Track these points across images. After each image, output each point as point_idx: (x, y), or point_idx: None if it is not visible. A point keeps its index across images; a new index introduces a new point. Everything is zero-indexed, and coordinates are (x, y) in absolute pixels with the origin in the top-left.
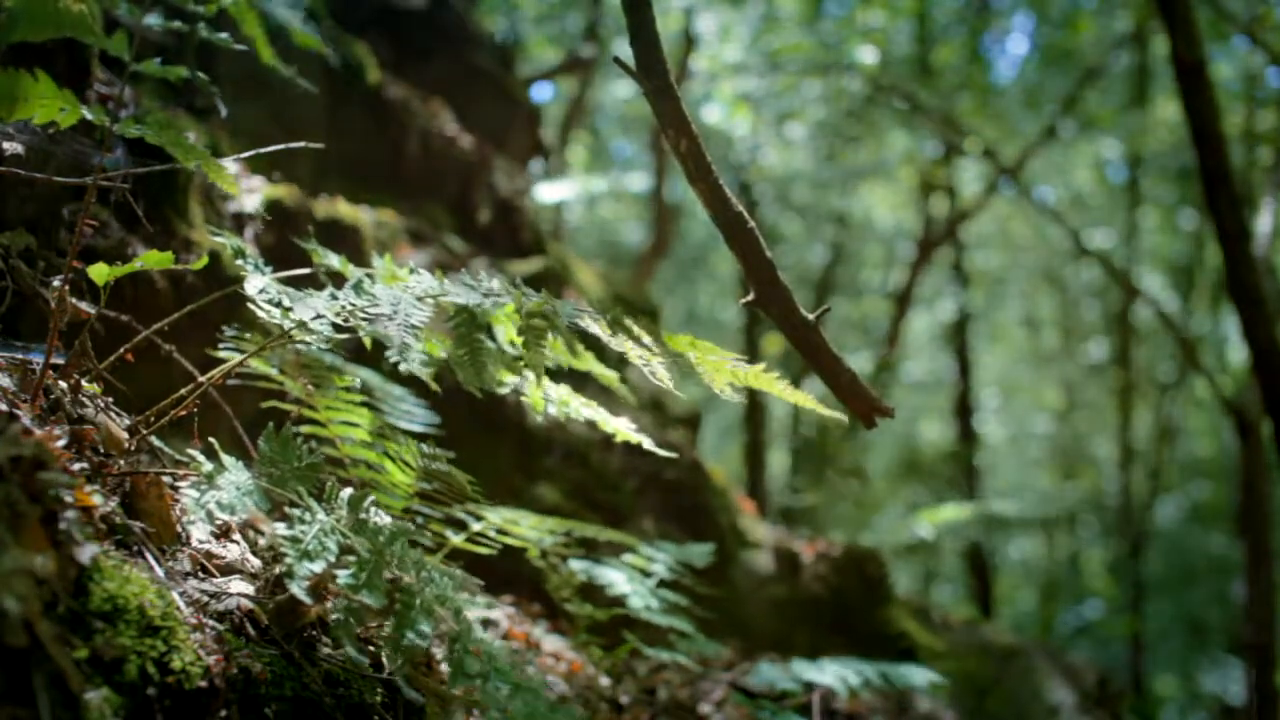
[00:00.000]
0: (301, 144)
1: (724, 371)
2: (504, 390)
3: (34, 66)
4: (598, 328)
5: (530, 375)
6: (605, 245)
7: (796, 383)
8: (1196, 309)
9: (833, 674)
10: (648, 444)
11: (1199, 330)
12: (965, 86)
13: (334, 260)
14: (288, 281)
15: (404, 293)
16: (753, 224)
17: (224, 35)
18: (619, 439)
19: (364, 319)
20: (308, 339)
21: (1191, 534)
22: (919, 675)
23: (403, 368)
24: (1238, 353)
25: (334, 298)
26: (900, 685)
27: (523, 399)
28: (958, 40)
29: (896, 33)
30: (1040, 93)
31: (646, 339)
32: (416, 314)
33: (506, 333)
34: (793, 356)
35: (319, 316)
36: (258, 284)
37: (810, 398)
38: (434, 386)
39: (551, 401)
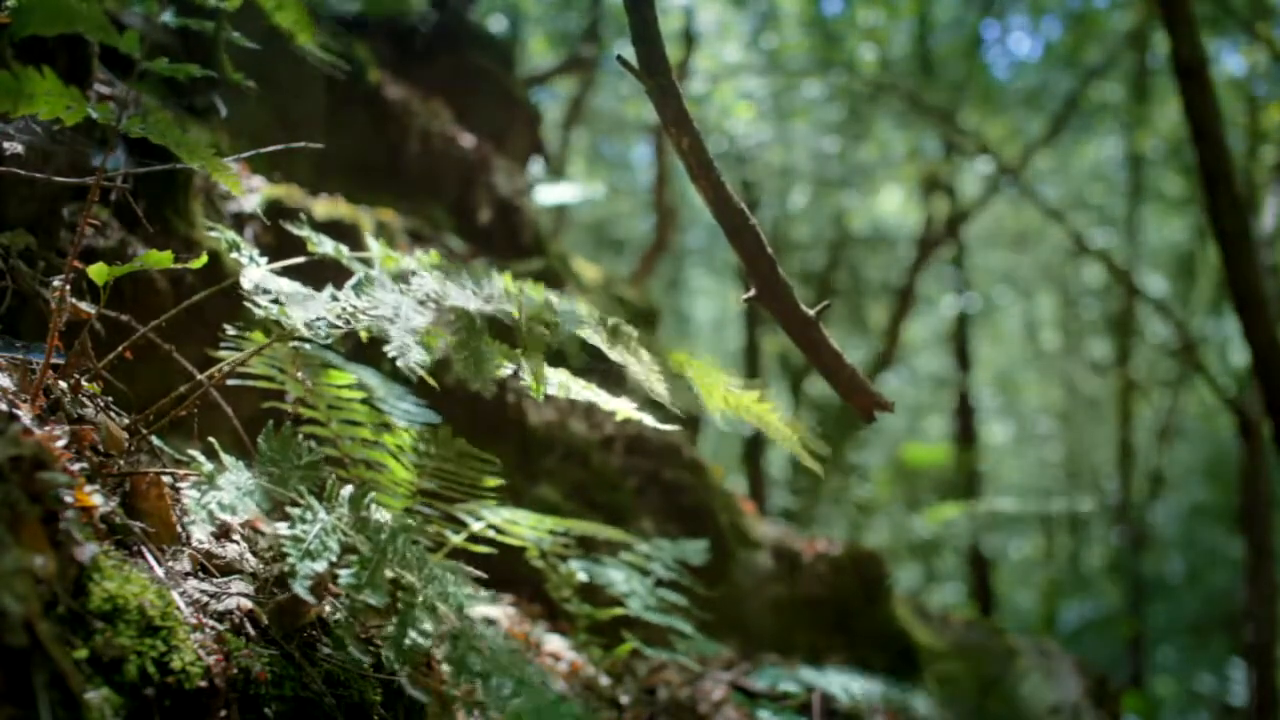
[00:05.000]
0: (301, 144)
1: (718, 394)
2: (504, 373)
3: (38, 64)
4: (597, 338)
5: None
6: (605, 243)
7: (798, 380)
8: (1197, 309)
9: (837, 683)
10: (649, 421)
11: (1200, 330)
12: (966, 85)
13: (329, 247)
14: (284, 271)
15: (405, 295)
16: (754, 220)
17: (236, 34)
18: (620, 418)
19: (364, 319)
20: (307, 337)
21: (1192, 534)
22: (920, 702)
23: (400, 362)
24: (1239, 353)
25: (334, 299)
26: (900, 706)
27: (522, 383)
28: (959, 39)
29: (897, 31)
30: (1043, 92)
31: (645, 355)
32: (418, 318)
33: None
34: (794, 352)
35: (319, 319)
36: (254, 278)
37: (797, 440)
38: (432, 383)
39: (551, 384)
